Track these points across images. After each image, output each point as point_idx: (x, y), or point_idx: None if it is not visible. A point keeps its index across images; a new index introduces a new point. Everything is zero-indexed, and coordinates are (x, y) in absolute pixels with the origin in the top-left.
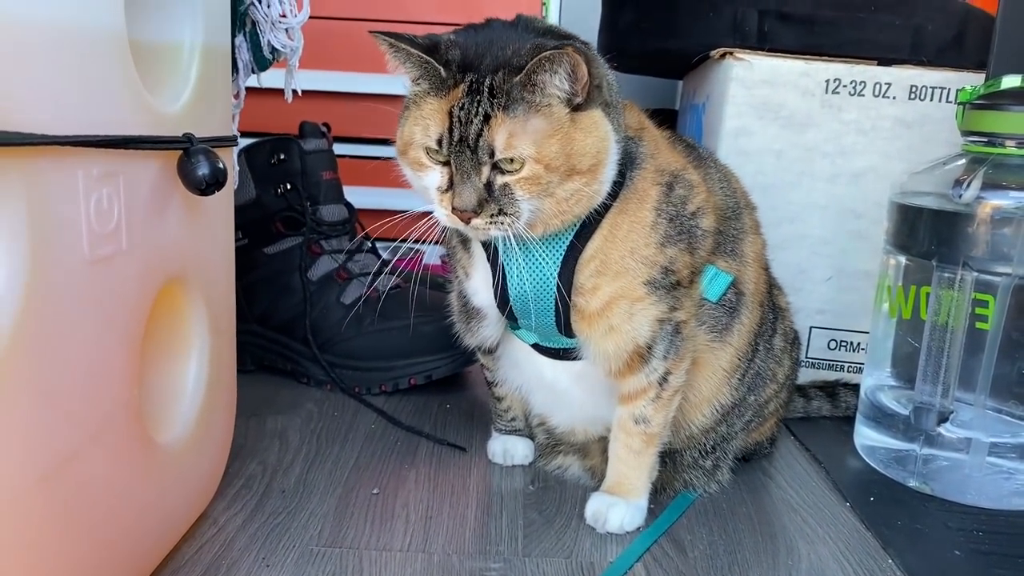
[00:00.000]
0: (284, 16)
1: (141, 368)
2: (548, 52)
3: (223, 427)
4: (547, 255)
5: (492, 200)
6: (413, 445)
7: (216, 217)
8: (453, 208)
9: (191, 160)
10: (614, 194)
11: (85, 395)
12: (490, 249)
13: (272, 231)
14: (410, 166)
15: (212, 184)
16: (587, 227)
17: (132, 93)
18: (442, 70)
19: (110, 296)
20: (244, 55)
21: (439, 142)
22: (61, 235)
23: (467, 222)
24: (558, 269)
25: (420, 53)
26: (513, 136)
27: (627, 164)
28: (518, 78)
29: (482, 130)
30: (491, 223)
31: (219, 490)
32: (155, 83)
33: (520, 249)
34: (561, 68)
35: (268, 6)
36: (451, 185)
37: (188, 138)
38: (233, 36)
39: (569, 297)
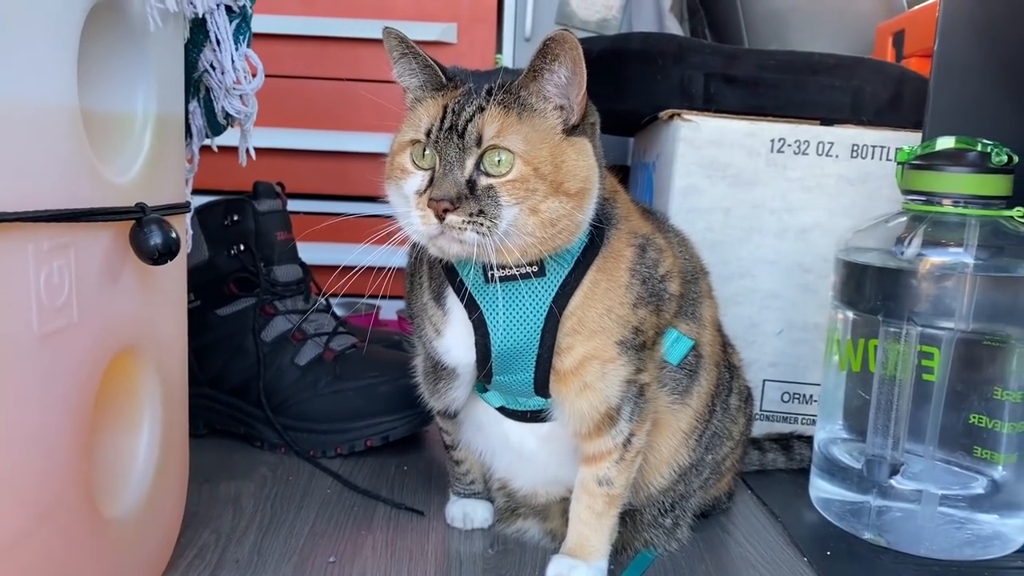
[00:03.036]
0: (238, 83)
1: (91, 441)
2: (555, 34)
3: (175, 498)
4: (531, 310)
5: (473, 199)
6: (370, 509)
7: (169, 285)
8: (430, 200)
9: (143, 230)
10: (592, 252)
11: (33, 473)
12: (465, 300)
13: (225, 292)
14: (394, 177)
15: (165, 254)
16: (568, 285)
17: (84, 165)
18: (443, 77)
19: (60, 370)
20: (198, 121)
21: (427, 132)
22: (9, 311)
23: (442, 218)
24: (542, 325)
25: (425, 56)
26: (505, 128)
27: (604, 223)
28: (520, 78)
29: (473, 117)
30: (469, 222)
31: (171, 561)
32: (107, 153)
33: (504, 301)
34: (564, 56)
35: (222, 73)
36: (430, 185)
37: (141, 208)
38: (187, 102)
39: (551, 354)
